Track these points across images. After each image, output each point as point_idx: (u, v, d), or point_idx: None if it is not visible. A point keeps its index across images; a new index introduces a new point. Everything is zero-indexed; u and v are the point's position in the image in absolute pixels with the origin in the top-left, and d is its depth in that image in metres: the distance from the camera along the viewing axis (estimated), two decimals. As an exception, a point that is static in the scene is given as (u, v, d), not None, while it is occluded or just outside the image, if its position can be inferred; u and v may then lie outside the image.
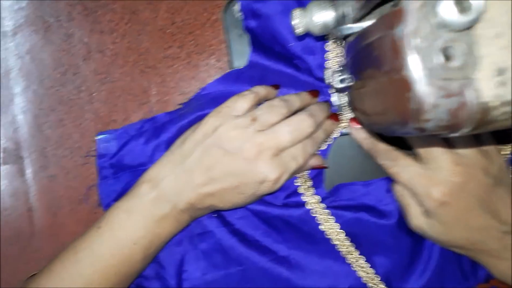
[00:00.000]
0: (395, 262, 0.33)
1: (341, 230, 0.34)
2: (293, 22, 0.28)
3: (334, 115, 0.34)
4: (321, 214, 0.34)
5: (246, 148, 0.29)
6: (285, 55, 0.34)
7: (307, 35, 0.31)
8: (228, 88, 0.35)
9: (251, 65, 0.36)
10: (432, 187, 0.28)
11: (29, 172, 0.38)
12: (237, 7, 0.38)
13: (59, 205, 0.38)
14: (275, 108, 0.30)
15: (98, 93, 0.38)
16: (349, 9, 0.24)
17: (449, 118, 0.17)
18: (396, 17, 0.18)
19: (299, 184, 0.35)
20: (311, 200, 0.34)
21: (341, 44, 0.34)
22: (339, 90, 0.33)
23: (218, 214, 0.35)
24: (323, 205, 0.34)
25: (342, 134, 0.36)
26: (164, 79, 0.37)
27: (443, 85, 0.16)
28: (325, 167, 0.34)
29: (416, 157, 0.30)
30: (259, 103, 0.32)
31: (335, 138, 0.35)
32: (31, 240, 0.38)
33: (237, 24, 0.37)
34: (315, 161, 0.33)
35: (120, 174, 0.35)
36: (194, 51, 0.37)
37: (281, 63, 0.35)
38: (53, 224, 0.38)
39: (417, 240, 0.33)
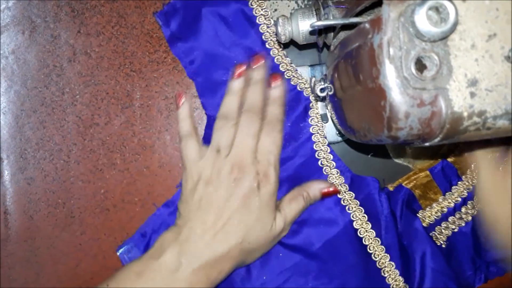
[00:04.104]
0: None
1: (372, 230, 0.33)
2: (278, 30, 0.28)
3: (273, 75, 0.31)
4: (351, 203, 0.33)
5: (233, 199, 0.29)
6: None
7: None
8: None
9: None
10: None
11: (6, 174, 0.37)
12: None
13: (36, 209, 0.37)
14: (224, 127, 0.30)
15: (82, 96, 0.37)
16: (332, 17, 0.25)
17: (421, 127, 0.16)
18: (375, 26, 0.18)
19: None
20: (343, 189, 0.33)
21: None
22: (321, 99, 0.33)
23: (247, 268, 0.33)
24: (351, 193, 0.33)
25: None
26: (149, 83, 0.37)
27: (416, 94, 0.16)
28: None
29: None
30: None
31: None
32: (5, 244, 0.37)
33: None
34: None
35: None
36: (180, 56, 0.37)
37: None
38: (30, 227, 0.37)
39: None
